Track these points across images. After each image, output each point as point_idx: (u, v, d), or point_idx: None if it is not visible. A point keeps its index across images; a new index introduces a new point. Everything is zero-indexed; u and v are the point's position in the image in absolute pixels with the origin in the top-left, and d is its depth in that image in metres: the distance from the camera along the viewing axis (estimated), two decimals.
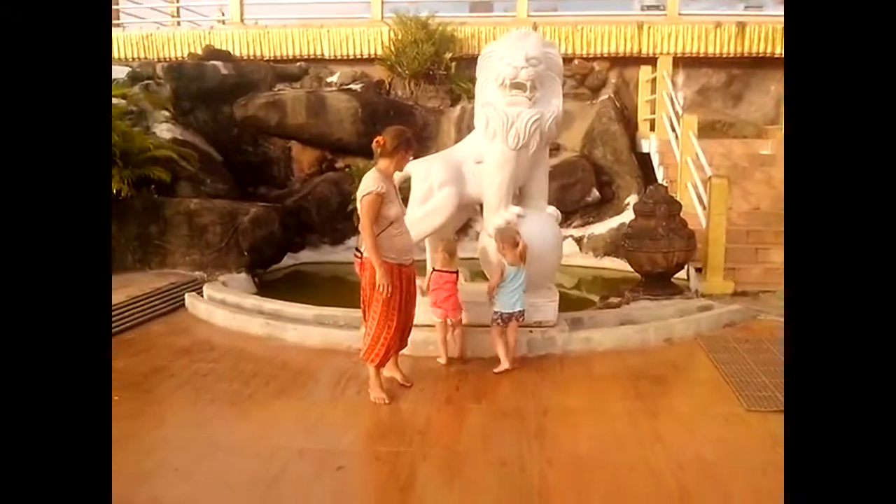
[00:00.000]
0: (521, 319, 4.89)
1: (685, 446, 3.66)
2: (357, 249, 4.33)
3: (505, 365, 4.76)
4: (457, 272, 4.97)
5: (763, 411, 4.07)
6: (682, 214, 6.89)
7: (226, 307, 6.27)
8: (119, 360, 5.04)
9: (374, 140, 4.16)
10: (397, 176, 4.52)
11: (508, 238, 4.85)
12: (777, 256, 7.42)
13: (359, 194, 4.08)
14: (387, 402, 4.23)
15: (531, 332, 5.15)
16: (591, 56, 11.29)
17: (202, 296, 6.73)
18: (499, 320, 4.82)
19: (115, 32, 12.04)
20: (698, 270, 7.19)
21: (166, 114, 9.99)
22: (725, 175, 7.36)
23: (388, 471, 3.43)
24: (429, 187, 5.30)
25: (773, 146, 9.62)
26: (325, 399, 4.37)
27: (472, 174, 5.39)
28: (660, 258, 6.59)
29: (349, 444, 3.76)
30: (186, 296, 6.69)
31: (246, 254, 7.74)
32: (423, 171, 5.34)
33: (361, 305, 4.36)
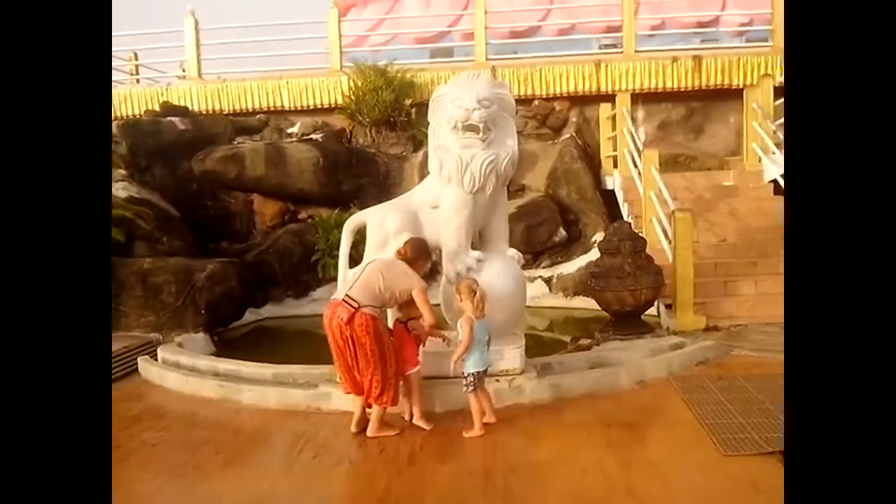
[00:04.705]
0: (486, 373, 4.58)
1: (660, 499, 3.43)
2: (350, 297, 4.32)
3: (478, 431, 4.37)
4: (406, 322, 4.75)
5: (740, 455, 3.87)
6: (648, 250, 6.79)
7: (179, 370, 5.96)
8: None
9: (396, 250, 4.76)
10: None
11: (465, 288, 4.51)
12: (747, 288, 7.33)
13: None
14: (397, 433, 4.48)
15: (497, 381, 4.90)
16: (551, 96, 11.35)
17: (156, 359, 6.41)
18: (474, 382, 4.40)
19: None
20: (668, 307, 7.05)
21: (122, 172, 9.78)
22: (689, 208, 7.31)
23: None
24: (384, 235, 5.12)
25: (735, 177, 9.65)
26: (277, 467, 4.08)
27: (428, 220, 5.22)
28: (628, 296, 6.44)
29: None
30: (139, 360, 6.38)
31: (203, 312, 7.45)
32: (378, 219, 5.18)
33: (341, 360, 4.39)
